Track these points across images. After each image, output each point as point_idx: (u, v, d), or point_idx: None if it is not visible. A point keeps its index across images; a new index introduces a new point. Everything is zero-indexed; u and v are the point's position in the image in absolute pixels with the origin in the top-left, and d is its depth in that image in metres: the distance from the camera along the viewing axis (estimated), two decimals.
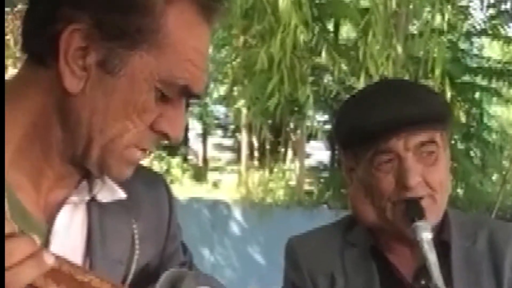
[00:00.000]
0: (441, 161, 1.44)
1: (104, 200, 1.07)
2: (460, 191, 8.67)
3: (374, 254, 1.51)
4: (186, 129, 13.97)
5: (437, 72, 7.16)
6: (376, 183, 1.43)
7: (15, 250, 0.78)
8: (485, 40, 11.18)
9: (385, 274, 1.49)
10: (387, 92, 1.48)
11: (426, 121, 1.42)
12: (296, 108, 9.02)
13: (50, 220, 1.01)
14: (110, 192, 1.08)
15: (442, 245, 1.44)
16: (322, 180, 11.27)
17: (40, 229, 0.99)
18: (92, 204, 1.07)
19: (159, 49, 0.95)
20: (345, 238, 1.55)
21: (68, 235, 1.03)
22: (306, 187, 10.41)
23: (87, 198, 1.06)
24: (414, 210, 1.38)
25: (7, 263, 0.78)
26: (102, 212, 1.07)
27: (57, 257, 0.87)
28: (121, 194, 1.09)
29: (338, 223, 1.63)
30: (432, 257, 1.31)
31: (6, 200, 0.87)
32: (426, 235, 1.33)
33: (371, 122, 1.41)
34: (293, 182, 9.88)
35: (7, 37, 6.86)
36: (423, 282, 1.42)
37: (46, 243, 0.99)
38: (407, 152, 1.40)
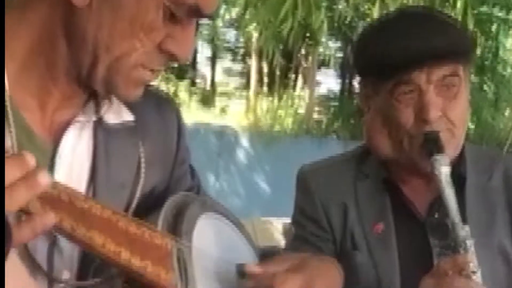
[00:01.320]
0: (462, 95, 1.43)
1: (111, 122, 1.06)
2: (471, 125, 8.65)
3: (387, 186, 1.51)
4: (195, 52, 13.86)
5: (459, 3, 7.00)
6: (394, 115, 1.42)
7: (6, 171, 0.76)
8: None
9: (398, 206, 1.50)
10: (411, 22, 1.45)
11: (451, 54, 1.39)
12: (308, 34, 8.91)
13: (56, 141, 1.01)
14: (117, 114, 1.07)
15: (458, 179, 1.44)
16: (332, 109, 11.26)
17: (45, 150, 0.99)
18: (99, 125, 1.06)
19: None
20: (359, 169, 1.55)
21: (74, 157, 1.03)
22: (315, 116, 10.42)
23: (94, 118, 1.05)
24: (432, 143, 1.37)
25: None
26: (108, 134, 1.06)
27: (57, 184, 0.87)
28: (129, 116, 1.08)
29: (351, 153, 1.63)
30: (449, 192, 1.31)
31: (11, 118, 0.86)
32: (444, 169, 1.33)
33: (395, 52, 1.38)
34: (302, 111, 9.87)
35: None
36: (436, 216, 1.43)
37: (51, 165, 0.99)
38: (429, 85, 1.39)
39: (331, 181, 1.55)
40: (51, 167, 0.99)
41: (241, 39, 13.15)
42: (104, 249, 0.89)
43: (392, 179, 1.52)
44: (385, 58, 1.40)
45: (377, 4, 7.00)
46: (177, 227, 1.03)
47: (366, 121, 1.52)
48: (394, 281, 1.46)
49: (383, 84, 1.42)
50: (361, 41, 1.53)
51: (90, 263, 1.00)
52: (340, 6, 9.45)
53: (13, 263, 0.54)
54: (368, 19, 7.99)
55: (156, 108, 1.16)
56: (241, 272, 1.11)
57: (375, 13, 6.89)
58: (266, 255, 1.23)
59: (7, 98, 0.86)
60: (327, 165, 1.62)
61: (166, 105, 1.20)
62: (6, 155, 0.79)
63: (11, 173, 0.76)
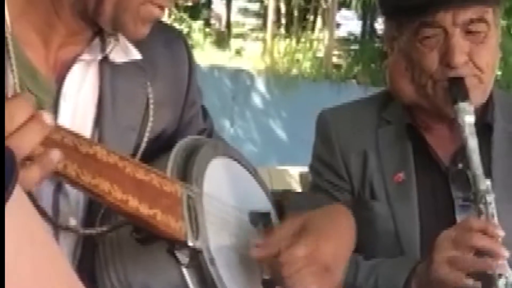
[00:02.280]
0: (490, 39, 1.40)
1: (118, 60, 1.04)
2: (498, 71, 8.53)
3: (410, 133, 1.50)
4: None
5: None
6: (418, 58, 1.40)
7: (16, 113, 0.75)
8: None
9: (420, 154, 1.49)
10: None
11: None
12: None
13: (60, 79, 0.99)
14: (124, 52, 1.05)
15: (484, 128, 1.42)
16: (352, 53, 11.13)
17: (49, 88, 0.98)
18: (105, 64, 1.04)
19: None
20: (380, 114, 1.53)
21: (78, 97, 1.01)
22: (335, 59, 10.31)
23: (100, 57, 1.03)
24: (457, 90, 1.35)
25: (9, 127, 0.75)
26: (115, 74, 1.05)
27: (60, 128, 0.85)
28: (136, 55, 1.06)
29: (373, 99, 1.61)
30: (472, 143, 1.29)
31: (13, 56, 0.84)
32: (468, 118, 1.31)
33: None
34: (321, 54, 9.77)
35: None
36: (460, 166, 1.41)
37: (55, 105, 0.98)
38: (455, 28, 1.36)
39: (352, 128, 1.54)
40: (55, 108, 0.97)
41: None
42: (110, 196, 0.87)
43: (415, 125, 1.50)
44: None
45: None
46: (187, 172, 1.02)
47: (389, 64, 1.50)
48: (413, 233, 1.45)
49: (408, 25, 1.40)
50: None
51: (97, 210, 0.99)
52: None
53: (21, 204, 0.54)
54: None
55: (166, 46, 1.14)
56: (254, 220, 1.11)
57: None
58: (279, 201, 1.21)
59: (8, 33, 0.84)
60: (348, 110, 1.60)
61: (176, 43, 1.18)
62: (8, 95, 0.77)
63: (18, 116, 0.75)
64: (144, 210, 0.90)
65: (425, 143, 1.49)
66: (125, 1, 0.95)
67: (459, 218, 1.41)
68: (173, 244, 0.94)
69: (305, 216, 1.09)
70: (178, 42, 1.19)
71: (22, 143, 0.75)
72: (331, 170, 1.52)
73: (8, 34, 0.85)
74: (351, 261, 1.17)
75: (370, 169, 1.49)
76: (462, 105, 1.33)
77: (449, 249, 1.25)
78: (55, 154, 0.80)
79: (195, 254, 0.95)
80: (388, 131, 1.51)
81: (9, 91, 0.83)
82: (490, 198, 1.27)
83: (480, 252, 1.24)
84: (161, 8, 0.99)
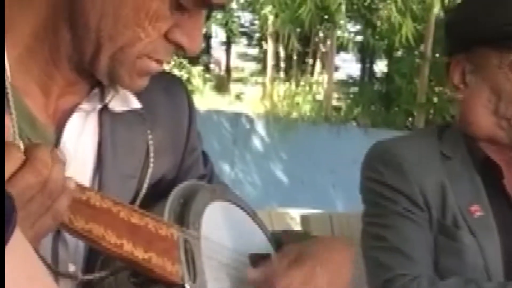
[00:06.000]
0: None
1: (117, 109, 1.05)
2: None
3: (477, 166, 1.48)
4: (209, 37, 13.84)
5: None
6: (509, 90, 1.38)
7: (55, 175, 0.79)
8: None
9: (491, 187, 1.47)
10: None
11: None
12: (326, 17, 8.85)
13: (59, 128, 1.00)
14: (124, 101, 1.06)
15: None
16: (351, 95, 11.19)
17: (48, 137, 0.98)
18: (105, 113, 1.05)
19: None
20: (439, 149, 1.51)
21: (78, 145, 1.02)
22: (334, 102, 10.36)
23: (99, 106, 1.04)
24: None
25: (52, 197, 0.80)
26: (114, 122, 1.05)
27: None
28: (136, 104, 1.07)
29: (427, 133, 1.59)
30: None
31: (13, 106, 0.86)
32: None
33: None
34: (320, 96, 9.82)
35: None
36: None
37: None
38: None
39: (421, 159, 1.51)
40: None
41: (256, 23, 13.11)
42: (104, 241, 0.88)
43: (485, 159, 1.48)
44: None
45: None
46: (185, 216, 1.02)
47: (464, 99, 1.47)
48: (497, 265, 1.43)
49: (501, 55, 1.39)
50: (469, 7, 1.48)
51: (96, 255, 0.99)
52: None
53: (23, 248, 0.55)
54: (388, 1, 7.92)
55: (166, 93, 1.15)
56: (254, 263, 1.11)
57: None
58: (279, 242, 1.21)
59: (8, 83, 0.86)
60: (409, 143, 1.58)
61: (176, 90, 1.19)
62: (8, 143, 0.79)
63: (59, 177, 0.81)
64: (139, 254, 0.90)
65: (496, 176, 1.46)
66: (121, 55, 0.95)
67: None
68: None
69: (301, 245, 1.09)
70: (178, 89, 1.20)
71: (58, 214, 0.82)
72: (407, 199, 1.48)
73: (8, 83, 0.87)
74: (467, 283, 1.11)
75: (449, 200, 1.46)
76: None
77: None
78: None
79: None
80: (453, 164, 1.49)
81: (8, 139, 0.84)
82: None
83: None
84: (158, 61, 0.99)
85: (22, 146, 0.79)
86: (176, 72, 9.97)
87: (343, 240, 1.21)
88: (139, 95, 1.07)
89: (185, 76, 10.36)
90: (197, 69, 11.02)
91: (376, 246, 1.50)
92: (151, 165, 1.09)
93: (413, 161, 1.50)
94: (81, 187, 0.89)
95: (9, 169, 0.77)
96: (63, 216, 0.84)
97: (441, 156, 1.50)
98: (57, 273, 0.97)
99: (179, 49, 0.99)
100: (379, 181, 1.52)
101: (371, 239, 1.53)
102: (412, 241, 1.45)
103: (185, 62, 10.59)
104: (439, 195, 1.47)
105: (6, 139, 0.82)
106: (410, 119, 8.96)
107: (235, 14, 14.08)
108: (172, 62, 9.12)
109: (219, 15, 13.03)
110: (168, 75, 1.23)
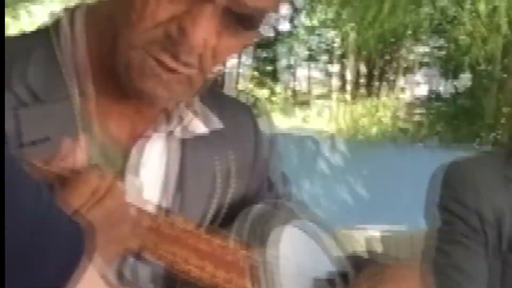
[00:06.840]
0: None
1: (182, 136, 1.05)
2: None
3: None
4: (274, 61, 13.89)
5: None
6: None
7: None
8: None
9: None
10: None
11: None
12: (393, 39, 8.81)
13: (126, 154, 1.00)
14: (206, 122, 1.06)
15: None
16: (418, 117, 11.05)
17: (117, 163, 0.99)
18: (172, 138, 1.05)
19: None
20: (504, 173, 1.52)
21: (160, 167, 1.04)
22: (400, 123, 10.26)
23: (164, 133, 1.04)
24: None
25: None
26: (196, 141, 1.06)
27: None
28: (217, 124, 1.07)
29: (491, 156, 1.60)
30: None
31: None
32: None
33: None
34: (386, 119, 9.74)
35: None
36: None
37: (121, 179, 0.98)
38: None
39: (483, 183, 1.52)
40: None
41: (323, 47, 13.09)
42: (187, 264, 0.91)
43: None
44: None
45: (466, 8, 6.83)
46: (263, 237, 1.03)
47: None
48: None
49: None
50: None
51: (175, 279, 0.98)
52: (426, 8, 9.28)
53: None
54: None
55: (232, 117, 1.14)
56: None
57: (465, 17, 6.71)
58: (356, 265, 1.21)
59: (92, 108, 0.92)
60: (476, 165, 1.59)
61: (243, 113, 1.19)
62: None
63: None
64: (221, 275, 0.93)
65: None
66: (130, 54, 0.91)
67: None
68: None
69: (381, 267, 1.09)
70: (245, 114, 1.19)
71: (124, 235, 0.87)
72: (477, 217, 1.50)
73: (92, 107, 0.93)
74: None
75: (506, 226, 1.47)
76: None
77: None
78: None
79: None
80: None
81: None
82: None
83: None
84: (158, 61, 0.90)
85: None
86: (257, 90, 9.90)
87: (412, 267, 1.19)
88: (220, 115, 1.07)
89: (266, 94, 10.36)
90: (263, 92, 11.08)
91: (443, 263, 1.52)
92: (218, 190, 1.09)
93: (482, 181, 1.51)
94: (164, 212, 0.93)
95: (92, 194, 0.83)
96: (128, 243, 0.88)
97: (505, 180, 1.50)
98: None
99: (172, 44, 0.89)
100: (454, 196, 1.54)
101: (438, 255, 1.55)
102: (473, 262, 1.48)
103: (267, 79, 10.59)
104: (497, 221, 1.47)
105: (79, 162, 0.86)
106: (493, 134, 8.74)
107: (302, 37, 14.10)
108: (255, 80, 9.11)
109: (285, 41, 13.06)
110: (235, 100, 1.22)
